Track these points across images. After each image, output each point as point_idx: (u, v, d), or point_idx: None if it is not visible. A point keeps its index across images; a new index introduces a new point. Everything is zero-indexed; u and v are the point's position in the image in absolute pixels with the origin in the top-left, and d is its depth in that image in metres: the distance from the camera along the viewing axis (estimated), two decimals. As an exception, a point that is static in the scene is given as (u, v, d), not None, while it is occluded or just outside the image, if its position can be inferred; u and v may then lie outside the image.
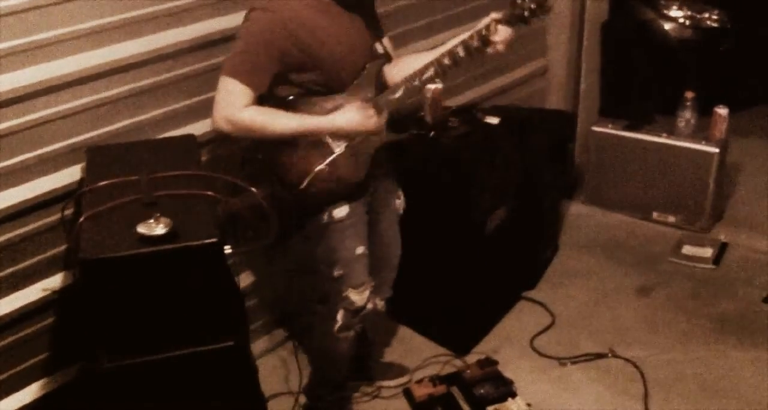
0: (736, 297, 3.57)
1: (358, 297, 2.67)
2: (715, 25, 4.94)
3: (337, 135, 2.49)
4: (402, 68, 2.57)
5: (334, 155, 2.50)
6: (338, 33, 2.45)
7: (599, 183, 4.28)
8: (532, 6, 2.38)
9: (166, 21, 2.64)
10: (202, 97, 2.79)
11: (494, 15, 2.41)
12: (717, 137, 3.95)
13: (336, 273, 2.64)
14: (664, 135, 4.02)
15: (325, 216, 2.57)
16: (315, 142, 2.49)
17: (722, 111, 3.93)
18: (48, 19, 2.36)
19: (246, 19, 2.40)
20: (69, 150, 2.50)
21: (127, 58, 2.54)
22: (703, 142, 3.93)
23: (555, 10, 4.21)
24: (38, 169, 2.45)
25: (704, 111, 4.03)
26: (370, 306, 2.74)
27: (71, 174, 2.50)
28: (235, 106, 2.37)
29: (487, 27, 2.41)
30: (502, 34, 2.41)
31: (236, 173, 2.64)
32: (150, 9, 2.58)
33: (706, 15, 4.92)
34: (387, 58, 2.59)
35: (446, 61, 2.46)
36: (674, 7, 4.92)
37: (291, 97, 2.46)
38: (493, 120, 3.38)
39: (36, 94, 2.37)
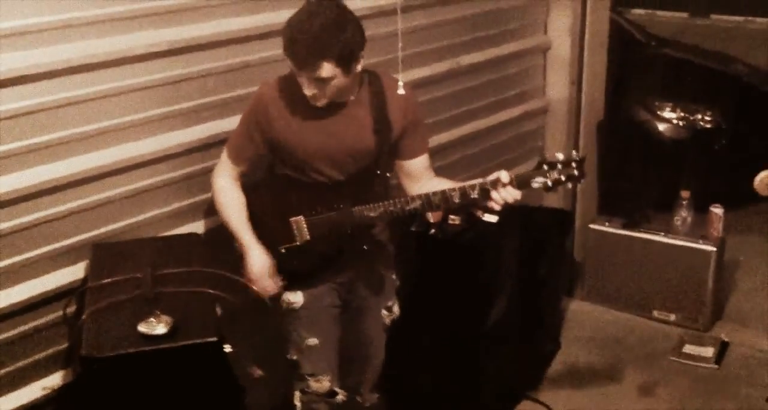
0: (739, 397, 3.54)
1: (314, 384, 2.67)
2: (708, 125, 5.06)
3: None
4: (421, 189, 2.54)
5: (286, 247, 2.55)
6: (316, 126, 2.46)
7: (599, 280, 4.30)
8: (561, 178, 2.32)
9: (173, 122, 2.71)
10: (207, 195, 2.84)
11: (503, 175, 2.33)
12: (714, 236, 3.99)
13: (290, 356, 2.68)
14: (662, 233, 4.07)
15: (282, 300, 2.62)
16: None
17: (718, 210, 3.99)
18: (57, 120, 2.42)
19: None
20: (74, 247, 2.53)
21: (135, 157, 2.60)
22: (701, 241, 3.97)
23: (552, 113, 4.33)
24: (43, 267, 2.48)
25: (701, 209, 4.09)
26: (340, 397, 2.72)
27: (75, 271, 2.52)
28: (218, 172, 2.61)
29: (494, 182, 2.35)
30: (506, 194, 2.34)
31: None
32: (157, 111, 2.65)
33: (699, 116, 5.04)
34: (381, 173, 2.53)
35: (436, 200, 2.43)
36: (668, 109, 5.05)
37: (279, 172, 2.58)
38: (492, 218, 3.42)
39: (42, 192, 2.42)
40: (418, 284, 3.07)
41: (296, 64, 2.31)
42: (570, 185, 2.36)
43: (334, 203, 2.51)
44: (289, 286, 2.61)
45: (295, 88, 2.42)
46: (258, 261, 2.53)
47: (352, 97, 2.48)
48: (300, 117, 2.47)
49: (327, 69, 2.28)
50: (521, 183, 2.35)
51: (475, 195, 2.37)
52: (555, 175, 2.33)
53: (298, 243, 2.54)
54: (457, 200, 2.40)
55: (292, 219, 2.53)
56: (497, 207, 2.38)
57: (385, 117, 2.51)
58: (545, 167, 2.34)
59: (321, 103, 2.41)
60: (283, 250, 2.56)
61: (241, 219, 2.56)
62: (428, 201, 2.44)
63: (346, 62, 2.31)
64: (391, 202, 2.48)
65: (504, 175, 2.34)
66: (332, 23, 2.27)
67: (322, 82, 2.32)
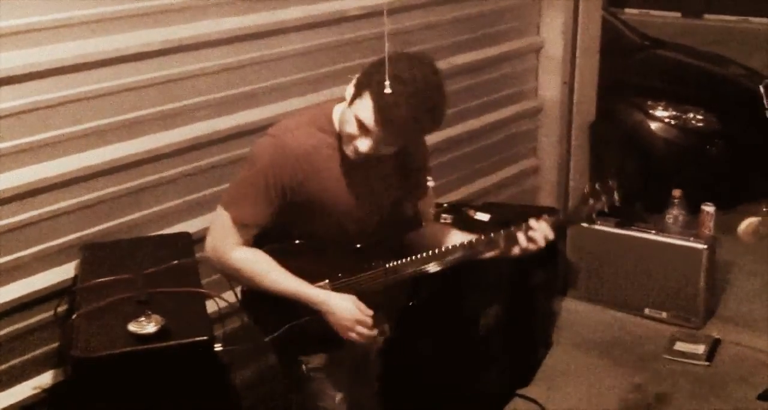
0: (731, 394, 3.54)
1: None
2: (700, 125, 5.07)
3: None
4: (429, 236, 2.41)
5: (307, 318, 2.26)
6: (350, 182, 2.21)
7: (592, 279, 4.30)
8: (597, 209, 2.39)
9: (165, 122, 2.72)
10: (198, 195, 2.85)
11: (546, 217, 2.31)
12: (705, 234, 4.00)
13: None
14: (654, 232, 4.07)
15: (303, 366, 2.35)
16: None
17: (709, 208, 4.00)
18: (49, 120, 2.42)
19: (252, 147, 2.23)
20: (65, 247, 2.53)
21: (126, 157, 2.61)
22: (692, 239, 3.98)
23: (545, 114, 4.35)
24: (34, 267, 2.48)
25: (693, 210, 4.10)
26: None
27: (66, 271, 2.52)
28: (227, 243, 2.17)
29: (537, 220, 2.30)
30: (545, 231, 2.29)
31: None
32: (149, 110, 2.66)
33: (692, 115, 5.05)
34: (413, 224, 2.40)
35: (480, 247, 2.30)
36: (660, 108, 5.06)
37: (298, 241, 2.26)
38: (484, 217, 3.43)
39: (35, 192, 2.42)
40: (411, 287, 3.07)
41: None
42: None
43: (359, 262, 2.28)
44: (311, 351, 2.33)
45: (316, 140, 2.16)
46: (345, 304, 2.20)
47: None
48: (335, 171, 2.19)
49: None
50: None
51: (520, 235, 2.30)
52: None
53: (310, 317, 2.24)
54: (501, 243, 2.30)
55: (317, 284, 2.24)
56: (538, 245, 2.31)
57: (407, 153, 2.31)
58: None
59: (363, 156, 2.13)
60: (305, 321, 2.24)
61: (291, 276, 2.19)
62: (471, 248, 2.30)
63: None
64: (437, 254, 2.30)
65: (547, 216, 2.35)
66: (442, 96, 2.10)
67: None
